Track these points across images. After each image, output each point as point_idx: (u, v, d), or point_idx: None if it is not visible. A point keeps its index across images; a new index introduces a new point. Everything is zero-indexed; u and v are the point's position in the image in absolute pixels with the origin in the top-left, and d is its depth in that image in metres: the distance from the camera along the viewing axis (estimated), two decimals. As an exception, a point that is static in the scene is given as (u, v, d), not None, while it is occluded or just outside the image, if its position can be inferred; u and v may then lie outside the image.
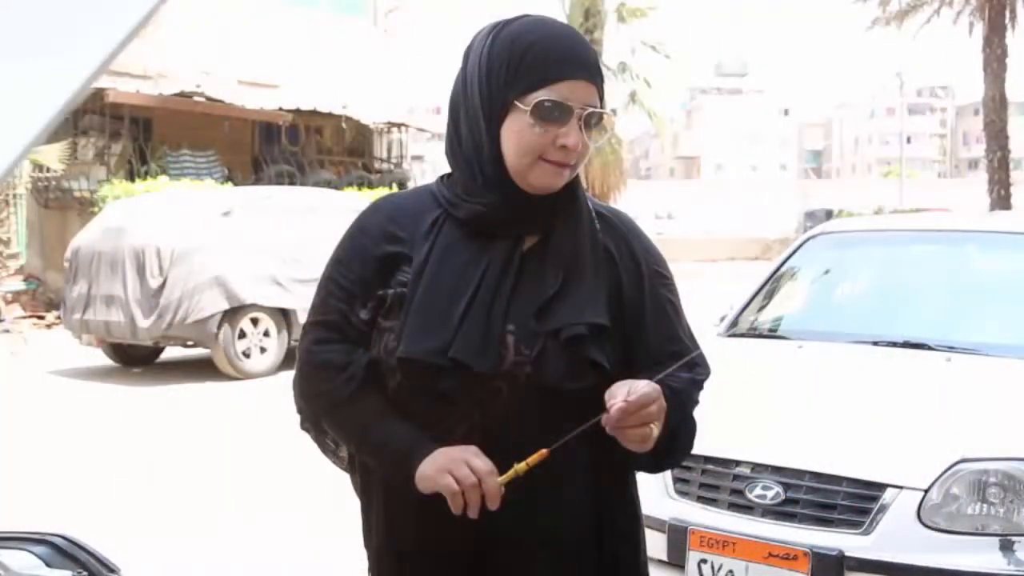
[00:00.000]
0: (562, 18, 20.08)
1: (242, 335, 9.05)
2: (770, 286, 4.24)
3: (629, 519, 1.57)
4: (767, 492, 2.72)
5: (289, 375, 1.68)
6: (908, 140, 69.58)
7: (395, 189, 16.33)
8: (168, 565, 4.13)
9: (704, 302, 4.95)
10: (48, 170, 14.62)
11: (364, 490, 1.58)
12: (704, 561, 2.70)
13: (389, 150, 20.41)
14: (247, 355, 9.11)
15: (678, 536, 2.75)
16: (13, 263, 14.89)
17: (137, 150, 15.62)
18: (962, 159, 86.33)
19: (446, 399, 1.42)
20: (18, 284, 14.61)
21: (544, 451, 1.36)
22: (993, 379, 3.21)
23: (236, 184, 15.12)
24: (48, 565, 1.61)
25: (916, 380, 3.26)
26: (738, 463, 2.82)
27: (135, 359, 9.93)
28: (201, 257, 8.79)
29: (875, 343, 3.53)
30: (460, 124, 1.48)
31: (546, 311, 1.43)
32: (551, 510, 1.46)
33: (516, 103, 1.41)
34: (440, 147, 1.63)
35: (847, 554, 2.54)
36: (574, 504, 1.48)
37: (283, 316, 9.26)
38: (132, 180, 14.76)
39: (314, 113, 17.15)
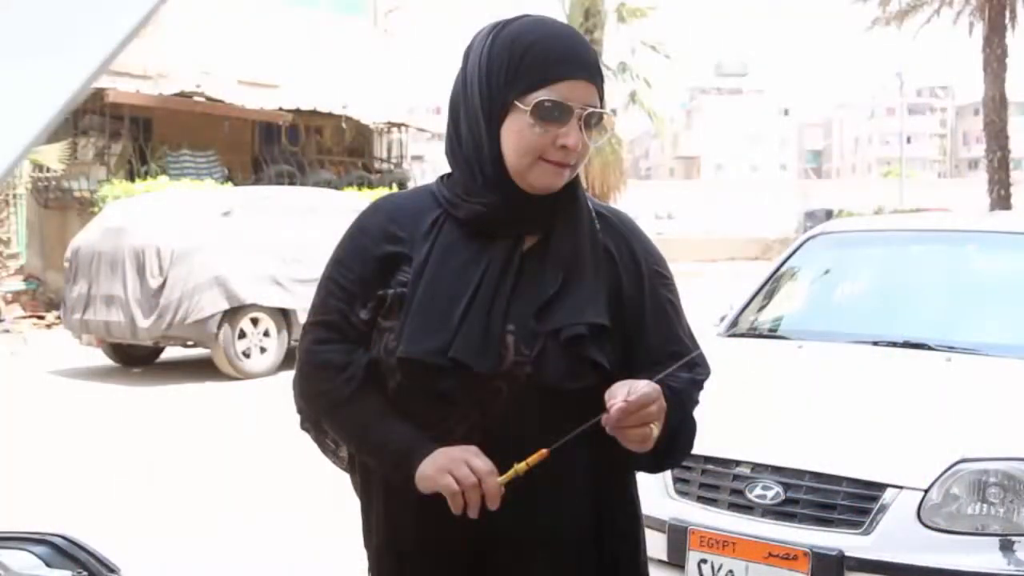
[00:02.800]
0: (562, 18, 20.07)
1: (242, 335, 9.05)
2: (770, 286, 4.24)
3: (629, 519, 1.57)
4: (767, 492, 2.72)
5: (289, 375, 1.68)
6: (908, 140, 69.59)
7: (395, 189, 16.32)
8: (168, 565, 4.13)
9: (704, 302, 4.94)
10: (48, 170, 14.62)
11: (364, 490, 1.58)
12: (704, 561, 2.70)
13: (389, 150, 20.41)
14: (247, 355, 9.11)
15: (678, 536, 2.75)
16: (13, 263, 14.89)
17: (137, 150, 15.61)
18: (962, 159, 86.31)
19: (446, 399, 1.42)
20: (18, 284, 14.61)
21: (544, 451, 1.36)
22: (993, 379, 3.21)
23: (236, 184, 15.11)
24: (48, 565, 1.61)
25: (916, 380, 3.26)
26: (738, 463, 2.82)
27: (135, 359, 9.93)
28: (201, 257, 8.79)
29: (875, 343, 3.53)
30: (460, 124, 1.47)
31: (546, 311, 1.43)
32: (551, 510, 1.46)
33: (516, 103, 1.40)
34: (440, 147, 1.63)
35: (847, 554, 2.54)
36: (574, 504, 1.48)
37: (283, 316, 9.26)
38: (132, 180, 14.75)
39: (314, 113, 17.14)
